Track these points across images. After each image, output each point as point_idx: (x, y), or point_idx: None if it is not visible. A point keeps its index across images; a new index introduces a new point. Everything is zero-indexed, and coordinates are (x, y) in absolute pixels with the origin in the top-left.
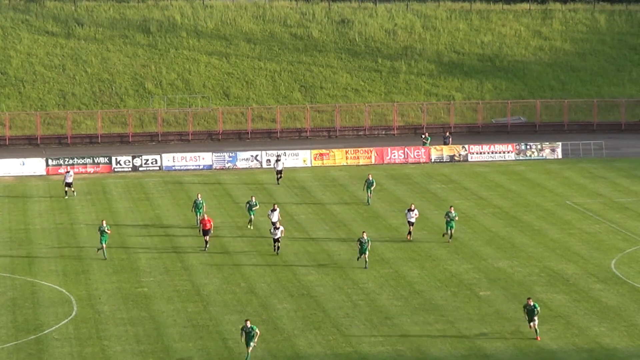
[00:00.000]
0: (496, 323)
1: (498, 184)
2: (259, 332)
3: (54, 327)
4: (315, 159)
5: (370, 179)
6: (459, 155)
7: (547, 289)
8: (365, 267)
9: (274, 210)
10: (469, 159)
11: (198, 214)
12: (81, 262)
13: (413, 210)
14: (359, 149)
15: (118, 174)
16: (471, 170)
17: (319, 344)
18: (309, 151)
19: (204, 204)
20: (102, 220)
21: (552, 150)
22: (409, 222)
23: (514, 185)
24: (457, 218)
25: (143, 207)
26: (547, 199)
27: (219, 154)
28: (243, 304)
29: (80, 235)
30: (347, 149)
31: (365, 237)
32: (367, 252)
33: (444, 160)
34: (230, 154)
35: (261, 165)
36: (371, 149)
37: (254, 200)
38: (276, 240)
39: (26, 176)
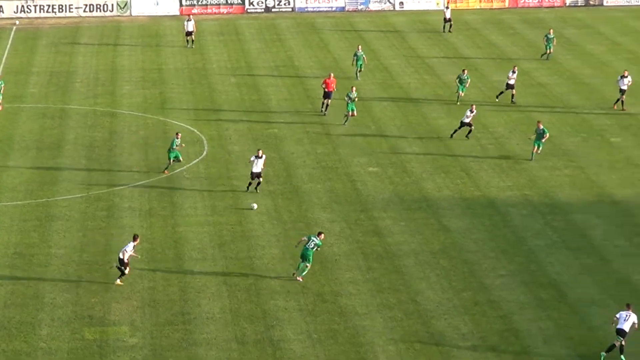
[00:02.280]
0: (626, 169)
1: (635, 29)
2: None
3: (185, 167)
4: (449, 2)
5: (360, 52)
6: None
7: None
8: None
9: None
10: (605, 3)
11: (358, 65)
12: (212, 102)
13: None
14: None
15: (251, 15)
16: (606, 14)
17: (447, 187)
18: None
19: (364, 57)
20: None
21: None
22: None
23: None
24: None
25: (275, 48)
26: None
27: None
28: (372, 145)
29: (212, 76)
30: None
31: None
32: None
33: (579, 4)
34: None
35: (394, 7)
36: None
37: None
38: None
39: (160, 16)
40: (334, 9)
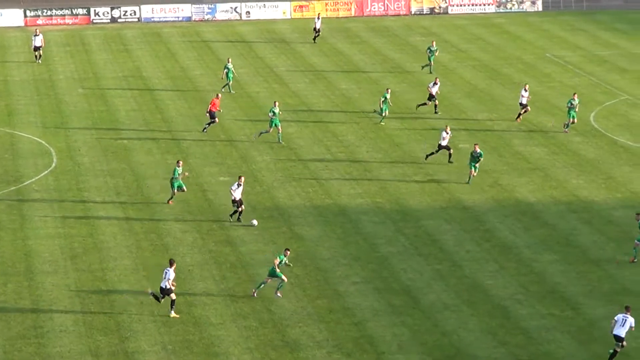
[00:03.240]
0: (475, 175)
1: (478, 36)
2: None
3: (34, 179)
4: (295, 11)
5: (230, 64)
6: (439, 7)
7: (526, 142)
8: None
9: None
10: (449, 12)
11: (229, 78)
12: (60, 114)
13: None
14: (339, 1)
15: (96, 26)
16: (451, 22)
17: (299, 195)
18: (288, 3)
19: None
20: None
21: (532, 3)
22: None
23: (494, 38)
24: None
25: (122, 58)
26: (527, 51)
27: (198, 6)
28: (223, 155)
29: (59, 87)
30: (326, 1)
31: None
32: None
33: (424, 12)
34: (210, 6)
35: (240, 17)
36: (351, 0)
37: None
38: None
39: (3, 27)
40: (180, 18)
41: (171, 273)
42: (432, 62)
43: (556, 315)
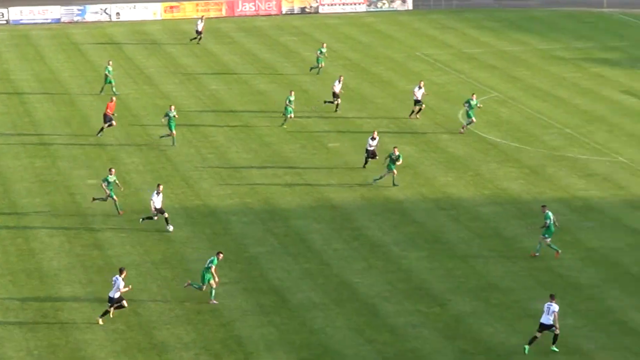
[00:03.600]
0: (344, 174)
1: (349, 36)
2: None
3: None
4: (165, 12)
5: (110, 67)
6: (310, 7)
7: (395, 140)
8: None
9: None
10: (320, 11)
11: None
12: None
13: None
14: (210, 2)
15: None
16: (322, 22)
17: (168, 197)
18: (159, 4)
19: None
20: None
21: (402, 2)
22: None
23: (365, 37)
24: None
25: None
26: (397, 50)
27: (67, 7)
28: (91, 158)
29: None
30: (197, 2)
31: None
32: None
33: (295, 12)
34: (79, 7)
35: (110, 18)
36: (222, 1)
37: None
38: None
39: None
40: (49, 20)
41: (120, 281)
42: (321, 64)
43: (423, 312)
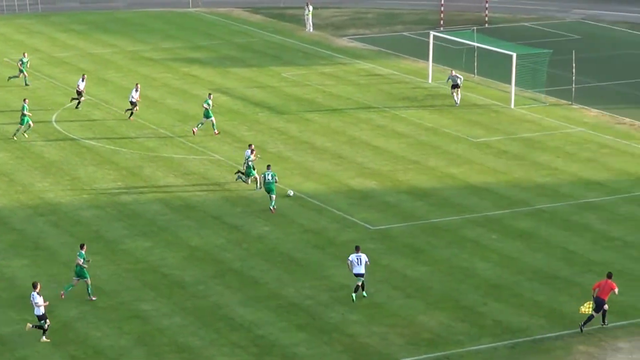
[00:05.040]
0: None
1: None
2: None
3: None
4: None
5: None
6: None
7: None
8: None
9: None
10: None
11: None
12: None
13: None
14: None
15: None
16: None
17: None
18: None
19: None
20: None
21: None
22: None
23: None
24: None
25: None
26: None
27: None
28: None
29: None
30: None
31: None
32: None
33: None
34: None
35: None
36: None
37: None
38: None
39: None
40: None
41: (37, 296)
42: (25, 73)
43: (30, 320)
